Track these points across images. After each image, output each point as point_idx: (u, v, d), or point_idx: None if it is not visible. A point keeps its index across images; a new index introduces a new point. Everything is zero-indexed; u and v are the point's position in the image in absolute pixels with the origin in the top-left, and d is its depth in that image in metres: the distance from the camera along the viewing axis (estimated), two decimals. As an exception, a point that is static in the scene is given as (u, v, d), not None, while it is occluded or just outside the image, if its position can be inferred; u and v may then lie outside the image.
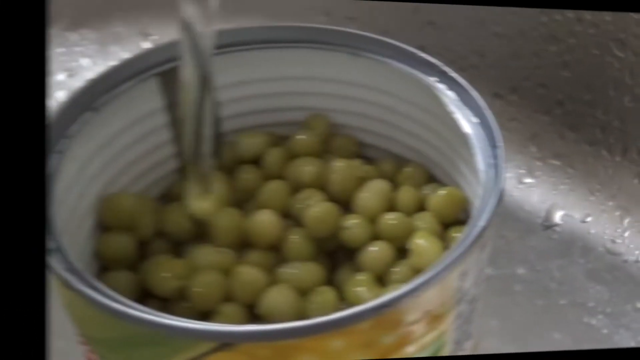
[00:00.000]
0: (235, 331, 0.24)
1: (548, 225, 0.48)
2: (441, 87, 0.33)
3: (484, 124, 0.32)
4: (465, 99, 0.33)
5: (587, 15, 0.47)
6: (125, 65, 0.32)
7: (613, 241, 0.47)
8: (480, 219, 0.28)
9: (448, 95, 0.33)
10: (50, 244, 0.25)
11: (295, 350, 0.24)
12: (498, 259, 0.46)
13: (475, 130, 0.32)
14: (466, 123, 0.32)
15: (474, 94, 0.32)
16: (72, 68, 0.54)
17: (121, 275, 0.30)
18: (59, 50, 0.53)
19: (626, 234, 0.47)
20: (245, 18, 0.40)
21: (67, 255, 0.25)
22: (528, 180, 0.50)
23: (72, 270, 0.24)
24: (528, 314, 0.44)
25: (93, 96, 0.31)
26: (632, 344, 0.43)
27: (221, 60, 0.33)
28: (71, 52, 0.54)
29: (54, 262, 0.25)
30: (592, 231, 0.48)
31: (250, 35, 0.34)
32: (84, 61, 0.54)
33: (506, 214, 0.48)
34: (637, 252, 0.47)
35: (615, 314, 0.44)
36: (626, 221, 0.48)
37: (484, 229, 0.27)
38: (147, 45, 0.54)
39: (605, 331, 0.43)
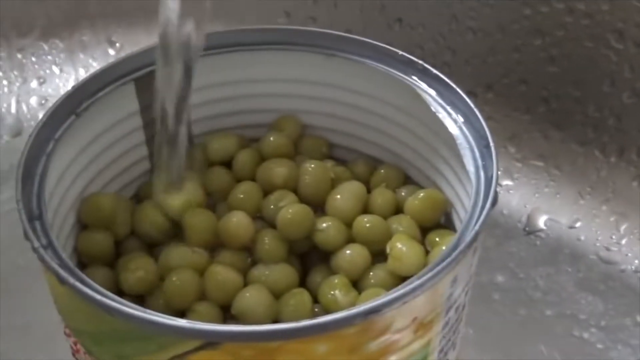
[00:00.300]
0: (220, 331, 0.29)
1: (530, 231, 0.54)
2: (422, 85, 0.39)
3: (470, 122, 0.37)
4: (449, 98, 0.38)
5: (580, 5, 0.52)
6: (105, 71, 0.39)
7: (607, 249, 0.53)
8: (473, 223, 0.33)
9: (430, 94, 0.39)
10: (42, 240, 0.32)
11: (279, 353, 0.29)
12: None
13: (462, 130, 0.37)
14: (451, 122, 0.37)
15: (459, 91, 0.38)
16: (43, 76, 0.63)
17: (98, 272, 0.37)
18: (32, 59, 0.62)
19: (623, 241, 0.53)
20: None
21: (59, 251, 0.31)
22: (506, 182, 0.56)
23: (64, 265, 0.31)
24: (509, 324, 0.49)
25: (76, 101, 0.38)
26: (633, 360, 0.47)
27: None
28: (42, 61, 0.62)
29: (47, 257, 0.31)
30: (582, 238, 0.53)
31: (222, 39, 0.41)
32: (54, 69, 0.62)
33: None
34: (636, 261, 0.52)
35: (612, 328, 0.49)
36: (623, 227, 0.53)
37: (478, 233, 0.32)
38: (113, 52, 0.62)
39: (600, 346, 0.48)
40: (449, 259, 0.31)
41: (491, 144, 0.35)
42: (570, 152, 0.55)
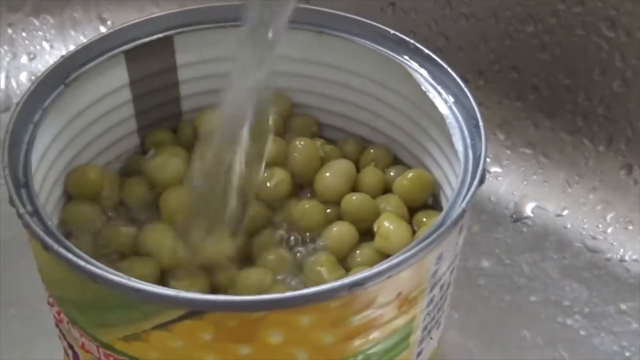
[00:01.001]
0: (204, 299, 0.29)
1: (517, 218, 0.54)
2: (414, 65, 0.39)
3: (461, 103, 0.37)
4: (440, 78, 0.38)
5: None
6: (95, 43, 0.39)
7: (593, 237, 0.53)
8: (460, 201, 0.33)
9: (421, 74, 0.39)
10: (28, 207, 0.32)
11: (262, 323, 0.29)
12: (461, 251, 0.51)
13: (452, 110, 0.37)
14: (441, 102, 0.37)
15: (451, 71, 0.38)
16: (33, 51, 0.63)
17: (83, 241, 0.37)
18: (22, 34, 0.62)
19: (609, 230, 0.53)
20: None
21: (44, 218, 0.31)
22: (495, 169, 0.56)
23: (49, 232, 0.31)
24: (493, 309, 0.49)
25: (66, 71, 0.37)
26: (614, 348, 0.48)
27: (181, 39, 0.41)
28: (33, 37, 0.62)
29: (32, 224, 0.31)
30: (569, 225, 0.54)
31: (210, 14, 0.41)
32: (45, 45, 0.62)
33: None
34: (621, 250, 0.52)
35: (595, 315, 0.49)
36: (609, 216, 0.53)
37: (464, 210, 0.32)
38: (104, 29, 0.62)
39: (583, 333, 0.49)
40: (434, 235, 0.31)
41: (480, 123, 0.36)
42: (560, 140, 0.56)
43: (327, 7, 0.55)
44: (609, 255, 0.52)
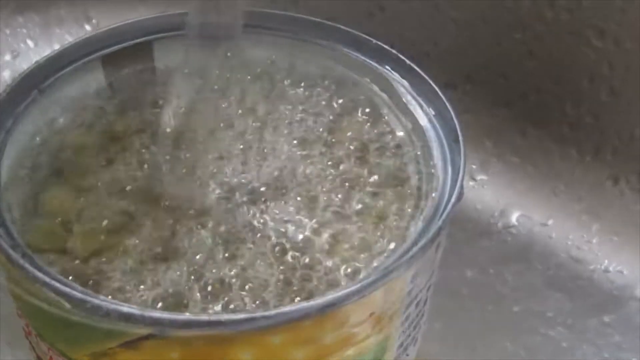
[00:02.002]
0: (172, 319, 0.28)
1: (502, 227, 0.54)
2: (395, 76, 0.38)
3: (442, 115, 0.36)
4: (421, 89, 0.38)
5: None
6: (71, 48, 0.38)
7: (578, 247, 0.53)
8: (437, 218, 0.32)
9: (403, 85, 0.38)
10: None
11: (231, 343, 0.29)
12: (445, 260, 0.50)
13: (432, 122, 0.37)
14: (422, 115, 0.37)
15: (432, 84, 0.37)
16: (17, 49, 0.62)
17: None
18: (6, 31, 0.61)
19: (594, 241, 0.53)
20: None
21: (12, 232, 0.30)
22: (481, 177, 0.56)
23: (16, 247, 0.30)
24: (476, 319, 0.49)
25: (40, 77, 0.37)
26: None
27: (160, 44, 0.40)
28: (17, 34, 0.61)
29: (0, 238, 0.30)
30: (554, 235, 0.53)
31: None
32: (29, 43, 0.61)
33: (456, 212, 0.53)
34: (606, 260, 0.52)
35: (578, 327, 0.49)
36: (594, 227, 0.53)
37: (441, 229, 0.31)
38: (89, 28, 0.61)
39: (565, 344, 0.48)
40: (408, 255, 0.30)
41: (460, 138, 0.35)
42: (546, 149, 0.55)
43: (316, 10, 0.55)
44: (593, 267, 0.52)
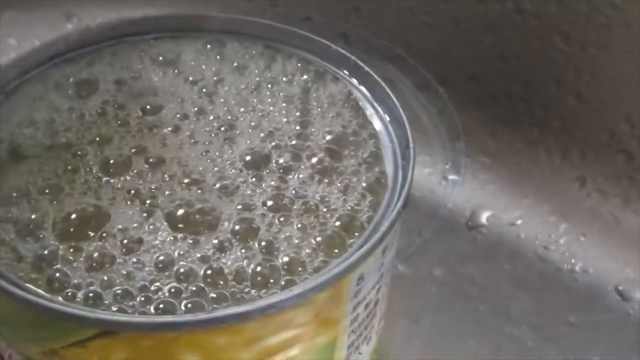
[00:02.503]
0: (118, 320, 0.29)
1: (472, 226, 0.55)
2: (354, 81, 0.39)
3: (396, 122, 0.37)
4: (379, 96, 0.38)
5: (528, 5, 0.52)
6: (36, 51, 0.39)
7: (546, 247, 0.53)
8: (381, 224, 0.33)
9: (361, 90, 0.39)
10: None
11: (177, 343, 0.29)
12: (414, 259, 0.51)
13: (387, 128, 0.37)
14: (377, 121, 0.38)
15: (388, 90, 0.38)
16: None
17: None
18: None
19: (561, 241, 0.53)
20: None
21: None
22: (452, 177, 0.56)
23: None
24: (443, 318, 0.49)
25: (5, 81, 0.38)
26: (560, 360, 0.48)
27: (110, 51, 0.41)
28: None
29: None
30: (522, 235, 0.54)
31: (156, 24, 0.41)
32: (11, 41, 0.62)
33: (427, 211, 0.54)
34: (572, 260, 0.52)
35: (543, 327, 0.49)
36: (562, 227, 0.54)
37: (385, 234, 0.32)
38: (70, 26, 0.62)
39: (530, 344, 0.48)
40: (351, 259, 0.31)
41: (411, 145, 0.35)
42: (517, 151, 0.56)
43: (294, 9, 0.55)
44: (559, 266, 0.53)
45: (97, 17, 0.51)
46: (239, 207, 0.35)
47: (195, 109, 0.39)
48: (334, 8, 0.58)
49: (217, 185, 0.35)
